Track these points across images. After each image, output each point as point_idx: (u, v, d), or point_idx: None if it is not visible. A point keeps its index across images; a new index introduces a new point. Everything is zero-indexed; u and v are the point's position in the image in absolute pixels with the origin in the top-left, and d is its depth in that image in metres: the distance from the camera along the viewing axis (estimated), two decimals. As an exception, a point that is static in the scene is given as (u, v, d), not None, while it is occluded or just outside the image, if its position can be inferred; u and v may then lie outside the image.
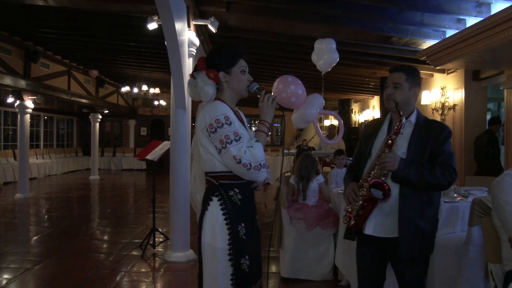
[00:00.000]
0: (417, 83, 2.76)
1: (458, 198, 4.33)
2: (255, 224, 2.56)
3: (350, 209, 2.67)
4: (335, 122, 17.87)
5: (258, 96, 2.51)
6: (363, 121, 15.39)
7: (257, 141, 2.36)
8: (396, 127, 2.59)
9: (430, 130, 2.65)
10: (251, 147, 2.32)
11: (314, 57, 6.85)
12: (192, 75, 2.50)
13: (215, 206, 2.40)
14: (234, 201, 2.41)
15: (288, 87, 5.21)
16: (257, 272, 2.50)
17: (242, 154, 2.27)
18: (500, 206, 2.55)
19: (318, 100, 5.84)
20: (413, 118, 2.73)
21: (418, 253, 2.64)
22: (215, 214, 2.39)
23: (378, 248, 2.74)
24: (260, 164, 2.29)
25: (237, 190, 2.43)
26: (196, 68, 2.50)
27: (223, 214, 2.38)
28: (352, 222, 2.64)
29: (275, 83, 4.59)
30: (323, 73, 6.82)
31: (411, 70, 2.74)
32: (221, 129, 2.31)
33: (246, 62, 2.54)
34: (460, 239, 3.80)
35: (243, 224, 2.42)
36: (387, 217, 2.64)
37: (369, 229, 2.68)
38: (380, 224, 2.66)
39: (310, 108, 5.69)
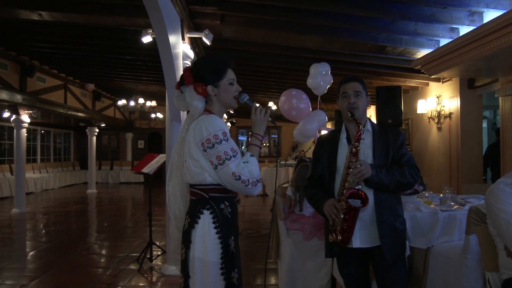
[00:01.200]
0: (367, 93, 2.90)
1: (455, 207, 4.31)
2: (237, 237, 2.55)
3: (334, 226, 2.71)
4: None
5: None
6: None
7: (252, 155, 2.35)
8: (356, 135, 2.67)
9: (388, 135, 2.80)
10: (247, 162, 2.30)
11: (309, 81, 6.78)
12: (178, 88, 2.46)
13: (206, 219, 2.35)
14: (225, 214, 2.39)
15: (290, 101, 5.25)
16: (241, 284, 2.49)
17: (240, 170, 2.25)
18: (494, 214, 2.54)
19: (320, 116, 5.82)
20: (368, 126, 2.84)
21: (398, 252, 2.75)
22: (206, 228, 2.34)
23: (360, 257, 2.84)
24: (257, 180, 2.30)
25: (227, 203, 2.41)
26: (183, 82, 2.45)
27: (215, 228, 2.34)
28: (339, 238, 2.68)
29: (282, 95, 4.74)
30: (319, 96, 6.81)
31: (362, 80, 2.87)
32: (219, 145, 2.27)
33: (234, 71, 2.52)
34: (458, 248, 3.77)
35: (232, 237, 2.40)
36: (369, 227, 2.72)
37: (356, 242, 2.73)
38: (365, 235, 2.73)
39: (310, 124, 5.70)
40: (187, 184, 2.49)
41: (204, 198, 2.39)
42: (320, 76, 5.90)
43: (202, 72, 2.43)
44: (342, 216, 2.62)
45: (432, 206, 4.30)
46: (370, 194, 2.69)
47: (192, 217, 2.39)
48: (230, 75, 2.47)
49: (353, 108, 2.75)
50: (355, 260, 2.84)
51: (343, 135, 2.86)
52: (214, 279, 2.32)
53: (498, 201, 2.51)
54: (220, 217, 2.36)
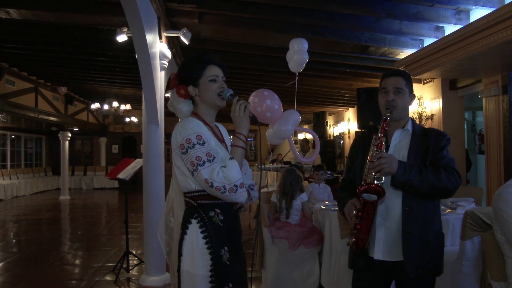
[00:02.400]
0: (412, 89, 2.59)
1: (447, 211, 4.18)
2: (241, 248, 2.32)
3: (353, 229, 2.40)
4: (309, 136, 17.82)
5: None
6: (338, 133, 15.34)
7: (231, 158, 2.13)
8: (381, 126, 2.40)
9: (429, 139, 2.46)
10: (225, 166, 2.09)
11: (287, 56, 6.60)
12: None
13: (194, 229, 2.17)
14: (216, 222, 2.18)
15: (263, 102, 5.00)
16: None
17: (214, 176, 2.06)
18: (504, 219, 2.38)
19: (294, 116, 5.64)
20: (409, 126, 2.53)
21: (426, 272, 2.40)
22: (194, 238, 2.16)
23: (383, 272, 2.51)
24: (235, 186, 2.08)
25: (219, 211, 2.19)
26: (169, 86, 2.36)
27: (204, 238, 2.15)
28: (352, 239, 2.36)
29: (251, 97, 4.32)
30: (297, 73, 6.62)
31: (409, 76, 2.58)
32: (192, 149, 2.11)
33: (220, 67, 2.32)
34: (451, 254, 3.65)
35: (226, 248, 2.18)
36: (395, 238, 2.40)
37: (378, 254, 2.43)
38: (389, 247, 2.42)
39: (285, 125, 5.48)
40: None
41: (193, 206, 2.23)
42: (305, 52, 5.76)
43: (182, 72, 2.32)
44: (354, 213, 2.34)
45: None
46: (398, 199, 2.40)
47: (182, 227, 2.22)
48: (211, 71, 2.28)
49: (391, 106, 2.44)
50: (377, 275, 2.51)
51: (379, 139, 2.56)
52: None
53: (508, 205, 2.34)
54: (209, 226, 2.17)
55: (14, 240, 8.50)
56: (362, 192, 2.29)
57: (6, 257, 6.90)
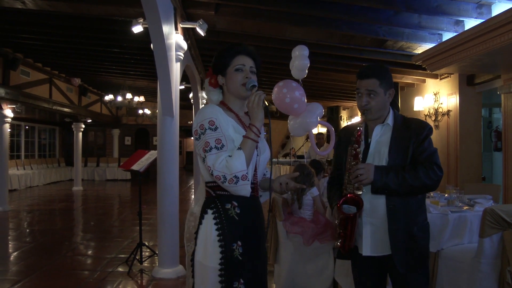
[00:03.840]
0: (391, 84, 2.55)
1: (464, 208, 4.11)
2: (260, 244, 2.26)
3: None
4: (322, 130, 17.74)
5: None
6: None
7: (239, 149, 2.08)
8: (355, 136, 2.44)
9: (410, 130, 2.48)
10: (231, 156, 2.05)
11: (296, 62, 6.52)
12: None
13: (209, 220, 2.15)
14: (231, 215, 2.14)
15: (293, 93, 4.97)
16: None
17: (216, 164, 2.03)
18: None
19: (318, 109, 5.63)
20: (389, 120, 2.54)
21: (415, 263, 2.46)
22: (208, 229, 2.14)
23: (375, 265, 2.56)
24: (235, 176, 2.02)
25: (236, 204, 2.15)
26: (206, 77, 2.36)
27: (217, 230, 2.12)
28: (339, 242, 2.45)
29: (279, 86, 4.28)
30: (300, 80, 6.58)
31: (383, 73, 2.52)
32: (203, 135, 2.10)
33: (252, 58, 2.29)
34: (469, 251, 3.62)
35: (239, 243, 2.13)
36: (382, 234, 2.45)
37: (366, 250, 2.49)
38: (376, 242, 2.47)
39: (311, 117, 5.46)
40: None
41: (211, 196, 2.21)
42: (306, 58, 5.72)
43: (214, 61, 2.31)
44: (336, 222, 2.41)
45: (439, 206, 4.09)
46: (382, 197, 2.42)
47: (200, 217, 2.22)
48: (238, 61, 2.25)
49: (365, 109, 2.48)
50: (370, 268, 2.57)
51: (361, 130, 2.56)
52: (212, 286, 2.11)
53: None
54: (224, 218, 2.14)
55: (27, 230, 8.55)
56: (342, 204, 2.38)
57: (20, 247, 6.95)
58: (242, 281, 2.12)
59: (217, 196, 2.18)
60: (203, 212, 2.20)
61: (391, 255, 2.44)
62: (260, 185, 2.34)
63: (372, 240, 2.47)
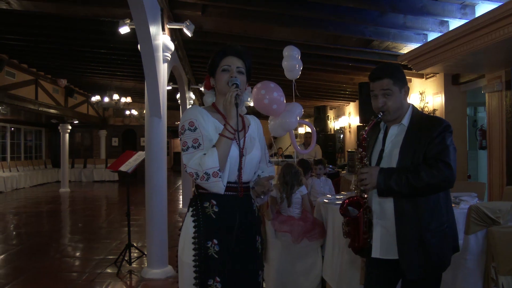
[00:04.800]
0: (404, 81, 2.50)
1: (450, 205, 4.15)
2: (244, 244, 2.25)
3: None
4: (310, 129, 17.79)
5: None
6: (338, 128, 15.32)
7: (213, 147, 2.13)
8: (360, 140, 2.43)
9: (421, 130, 2.39)
10: (205, 154, 2.10)
11: (285, 63, 6.52)
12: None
13: (188, 217, 2.23)
14: (208, 213, 2.19)
15: (271, 93, 4.98)
16: None
17: (190, 162, 2.11)
18: None
19: (298, 109, 5.72)
20: (405, 120, 2.48)
21: (426, 270, 2.35)
22: (187, 226, 2.22)
23: (388, 268, 2.49)
24: (206, 173, 2.07)
25: (214, 202, 2.20)
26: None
27: (194, 227, 2.19)
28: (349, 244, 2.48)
29: (257, 88, 4.27)
30: (294, 80, 6.61)
31: (395, 71, 2.48)
32: (182, 135, 2.20)
33: (241, 58, 2.30)
34: (455, 248, 3.64)
35: (215, 241, 2.17)
36: (391, 237, 2.40)
37: (376, 252, 2.45)
38: (386, 245, 2.42)
39: (290, 117, 5.52)
40: None
41: (195, 195, 2.28)
42: (295, 59, 5.75)
43: (208, 65, 2.37)
44: (343, 222, 2.43)
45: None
46: (390, 201, 2.38)
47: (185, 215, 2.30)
48: (225, 61, 2.27)
49: (382, 111, 2.43)
50: (381, 271, 2.52)
51: (381, 135, 2.56)
52: (187, 282, 2.18)
53: None
54: (201, 216, 2.20)
55: (14, 233, 8.48)
56: (348, 206, 2.39)
57: (6, 249, 6.89)
58: (218, 279, 2.15)
59: (198, 194, 2.24)
60: (187, 210, 2.28)
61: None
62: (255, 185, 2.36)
63: (382, 242, 2.42)
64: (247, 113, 2.58)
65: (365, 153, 2.42)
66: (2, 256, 6.49)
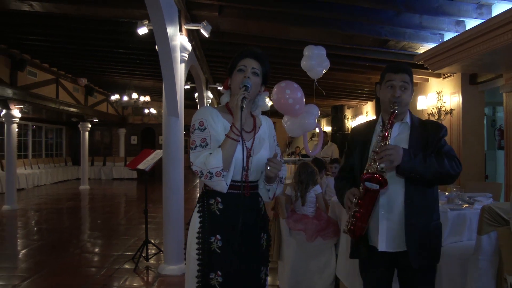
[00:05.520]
0: (413, 85, 2.65)
1: (464, 206, 4.17)
2: (247, 241, 2.31)
3: (350, 215, 2.43)
4: (327, 129, 17.77)
5: None
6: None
7: (219, 147, 2.20)
8: (389, 118, 2.44)
9: (427, 131, 2.54)
10: (211, 154, 2.19)
11: (303, 63, 6.55)
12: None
13: (195, 213, 2.33)
14: (213, 210, 2.28)
15: (295, 94, 5.06)
16: None
17: (196, 160, 2.20)
18: None
19: (315, 110, 5.80)
20: (408, 119, 2.59)
21: (428, 260, 2.50)
22: (194, 221, 2.32)
23: (386, 262, 2.58)
24: (210, 172, 2.15)
25: (219, 199, 2.29)
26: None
27: (199, 223, 2.29)
28: (349, 226, 2.39)
29: (281, 87, 4.35)
30: (315, 79, 6.66)
31: (411, 72, 2.61)
32: (192, 134, 2.29)
33: (258, 60, 2.35)
34: (468, 248, 3.66)
35: (218, 237, 2.26)
36: (398, 229, 2.47)
37: (382, 246, 2.50)
38: (392, 238, 2.49)
39: (309, 118, 5.60)
40: None
41: (203, 192, 2.37)
42: (315, 59, 5.81)
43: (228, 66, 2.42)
44: (355, 201, 2.37)
45: (440, 204, 4.15)
46: (400, 192, 2.45)
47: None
48: (243, 62, 2.33)
49: (396, 102, 2.48)
50: (381, 264, 2.59)
51: (379, 127, 2.61)
52: (191, 274, 2.28)
53: None
54: (206, 212, 2.29)
55: (35, 228, 8.67)
56: (365, 180, 2.32)
57: (28, 244, 7.07)
58: (219, 273, 2.23)
59: (205, 192, 2.34)
60: (195, 206, 2.37)
61: (404, 252, 2.46)
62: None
63: (388, 235, 2.48)
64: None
65: (389, 132, 2.42)
66: (24, 251, 6.67)
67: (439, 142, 2.50)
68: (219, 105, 2.51)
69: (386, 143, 2.38)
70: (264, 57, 2.38)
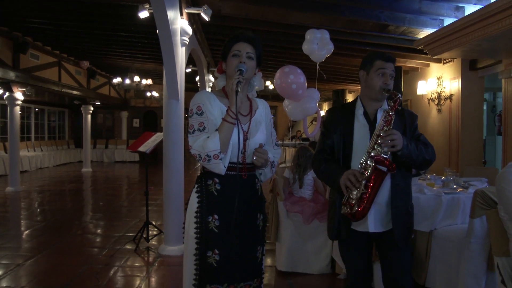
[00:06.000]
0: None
1: (458, 190, 4.24)
2: (244, 220, 2.39)
3: (349, 196, 2.50)
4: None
5: None
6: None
7: (216, 130, 2.27)
8: (394, 105, 2.52)
9: (404, 118, 2.70)
10: (208, 137, 2.25)
11: (305, 46, 6.56)
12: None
13: (193, 193, 2.40)
14: (211, 191, 2.36)
15: (299, 79, 5.16)
16: (230, 272, 2.35)
17: (194, 144, 2.27)
18: (507, 198, 2.46)
19: (315, 94, 5.88)
20: (385, 106, 2.67)
21: (408, 237, 2.70)
22: (192, 202, 2.39)
23: (366, 241, 2.73)
24: (208, 155, 2.23)
25: (217, 180, 2.36)
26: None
27: (197, 203, 2.36)
28: (355, 209, 2.44)
29: (284, 72, 4.43)
30: (318, 63, 6.69)
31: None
32: (190, 118, 2.35)
33: (252, 44, 2.40)
34: (461, 231, 3.73)
35: (216, 216, 2.34)
36: (384, 211, 2.62)
37: (371, 227, 2.63)
38: (379, 219, 2.63)
39: (310, 102, 5.69)
40: None
41: (201, 173, 2.45)
42: (317, 42, 5.86)
43: (222, 50, 2.47)
44: (364, 182, 2.44)
45: (435, 188, 4.23)
46: (387, 177, 2.55)
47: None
48: (237, 47, 2.38)
49: (387, 90, 2.59)
50: (361, 245, 2.72)
51: (359, 111, 2.70)
52: (190, 252, 2.36)
53: (511, 184, 2.42)
54: (204, 193, 2.37)
55: (38, 210, 8.80)
56: (376, 162, 2.42)
57: (32, 225, 7.20)
58: (217, 251, 2.32)
59: (203, 173, 2.41)
60: (193, 187, 2.44)
61: (386, 232, 2.62)
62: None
63: (375, 217, 2.61)
64: (259, 97, 2.68)
65: (392, 118, 2.51)
66: (27, 232, 6.79)
67: (416, 131, 2.71)
68: (216, 90, 2.57)
69: (389, 128, 2.48)
70: (257, 40, 2.43)
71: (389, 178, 2.57)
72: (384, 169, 2.41)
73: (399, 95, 2.54)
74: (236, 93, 2.23)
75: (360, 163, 2.52)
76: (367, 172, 2.45)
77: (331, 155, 2.74)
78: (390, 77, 2.64)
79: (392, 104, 2.52)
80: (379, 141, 2.46)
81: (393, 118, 2.51)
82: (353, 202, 2.47)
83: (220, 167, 2.26)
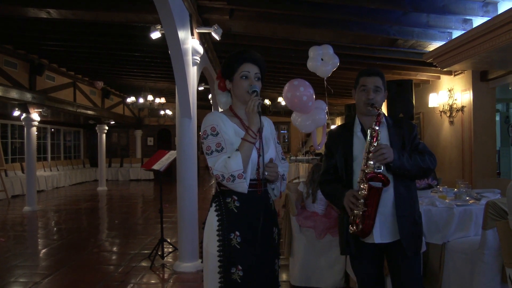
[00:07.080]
0: (385, 88, 2.82)
1: (471, 201, 4.23)
2: (263, 236, 2.43)
3: (354, 215, 2.59)
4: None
5: None
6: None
7: (237, 150, 2.30)
8: (376, 119, 2.60)
9: (403, 129, 2.76)
10: (229, 157, 2.28)
11: (309, 64, 6.56)
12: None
13: (212, 212, 2.42)
14: (230, 208, 2.38)
15: (308, 91, 5.26)
16: (253, 287, 2.39)
17: (215, 165, 2.29)
18: None
19: (323, 105, 5.96)
20: (383, 119, 2.74)
21: (417, 247, 2.70)
22: (211, 220, 2.40)
23: (376, 253, 2.75)
24: (232, 175, 2.25)
25: (236, 198, 2.38)
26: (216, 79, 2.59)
27: (217, 221, 2.37)
28: (360, 226, 2.55)
29: (294, 85, 4.52)
30: (325, 78, 6.74)
31: (383, 75, 2.80)
32: (206, 140, 2.36)
33: (257, 65, 2.48)
34: (474, 243, 3.71)
35: (237, 233, 2.36)
36: (390, 221, 2.66)
37: (377, 238, 2.66)
38: (386, 230, 2.66)
39: (320, 114, 5.76)
40: None
41: (217, 191, 2.47)
42: (320, 58, 5.94)
43: (223, 67, 2.52)
44: (362, 201, 2.53)
45: (447, 200, 4.22)
46: (390, 188, 2.61)
47: (208, 210, 2.48)
48: (244, 68, 2.44)
49: (372, 104, 2.67)
50: (371, 258, 2.76)
51: (357, 128, 2.79)
52: (212, 270, 2.37)
53: None
54: (224, 211, 2.38)
55: (55, 228, 8.91)
56: (369, 179, 2.49)
57: (48, 244, 7.29)
58: (240, 267, 2.34)
59: (221, 191, 2.43)
60: (210, 205, 2.46)
61: (395, 242, 2.64)
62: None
63: (381, 228, 2.64)
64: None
65: (379, 132, 2.59)
66: (44, 250, 6.88)
67: (414, 140, 2.75)
68: (221, 109, 2.65)
69: (377, 143, 2.56)
70: (262, 61, 2.52)
71: (391, 188, 2.62)
72: (379, 184, 2.48)
73: (380, 109, 2.63)
74: (259, 114, 2.32)
75: (358, 182, 2.61)
76: (365, 190, 2.53)
77: (335, 174, 2.83)
78: (374, 91, 2.70)
79: (375, 119, 2.61)
80: (370, 157, 2.55)
81: (379, 133, 2.59)
82: (358, 220, 2.56)
83: (243, 186, 2.30)
